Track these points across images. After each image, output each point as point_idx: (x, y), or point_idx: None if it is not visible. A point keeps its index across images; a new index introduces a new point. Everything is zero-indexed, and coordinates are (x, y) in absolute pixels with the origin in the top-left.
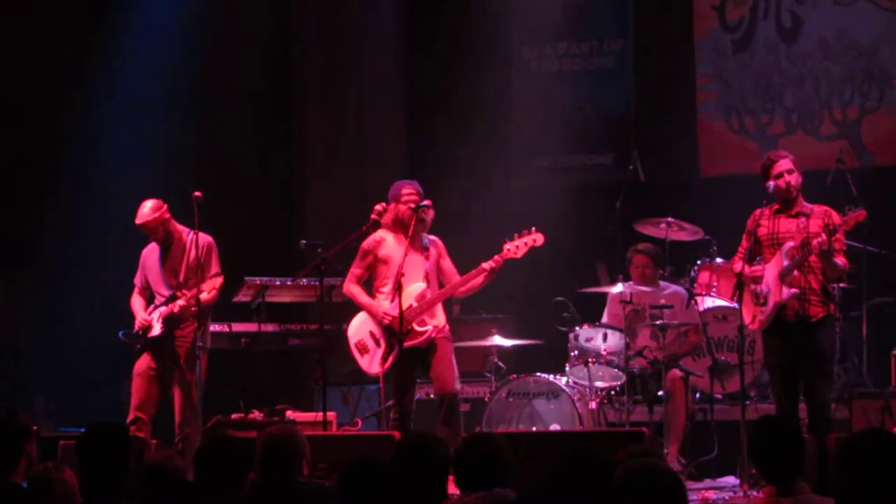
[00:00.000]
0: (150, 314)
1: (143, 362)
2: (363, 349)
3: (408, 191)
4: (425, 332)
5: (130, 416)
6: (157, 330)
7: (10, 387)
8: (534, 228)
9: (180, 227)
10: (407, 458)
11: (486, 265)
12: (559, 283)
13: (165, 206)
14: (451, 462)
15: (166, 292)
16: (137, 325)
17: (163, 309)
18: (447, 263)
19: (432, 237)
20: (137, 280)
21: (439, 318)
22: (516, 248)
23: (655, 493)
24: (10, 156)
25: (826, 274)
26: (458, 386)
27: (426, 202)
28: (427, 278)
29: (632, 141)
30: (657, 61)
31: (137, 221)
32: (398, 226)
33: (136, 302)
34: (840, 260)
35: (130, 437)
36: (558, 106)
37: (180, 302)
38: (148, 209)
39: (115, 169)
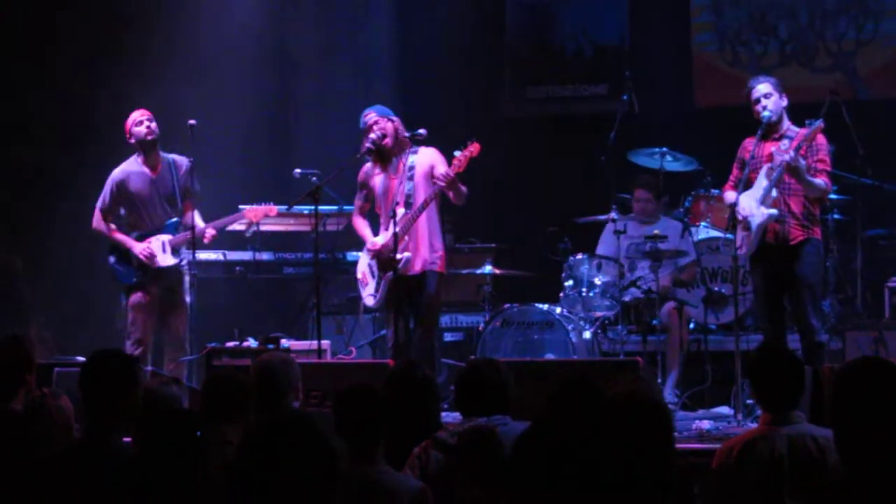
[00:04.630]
0: (147, 243)
1: (147, 295)
2: (363, 282)
3: (368, 117)
4: (401, 259)
5: (136, 350)
6: (169, 260)
7: (3, 314)
8: (473, 139)
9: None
10: (397, 385)
11: (436, 186)
12: (553, 214)
13: None
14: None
15: (160, 219)
16: (141, 254)
17: (167, 237)
18: (439, 171)
19: (424, 150)
20: (105, 205)
21: (423, 248)
22: (458, 162)
23: (639, 418)
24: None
25: (806, 194)
26: (435, 336)
27: (384, 124)
28: (410, 200)
29: (626, 71)
30: None
31: (141, 112)
32: (373, 154)
33: (113, 229)
34: (819, 179)
35: (138, 367)
36: (551, 36)
37: (210, 231)
38: (153, 121)
39: None
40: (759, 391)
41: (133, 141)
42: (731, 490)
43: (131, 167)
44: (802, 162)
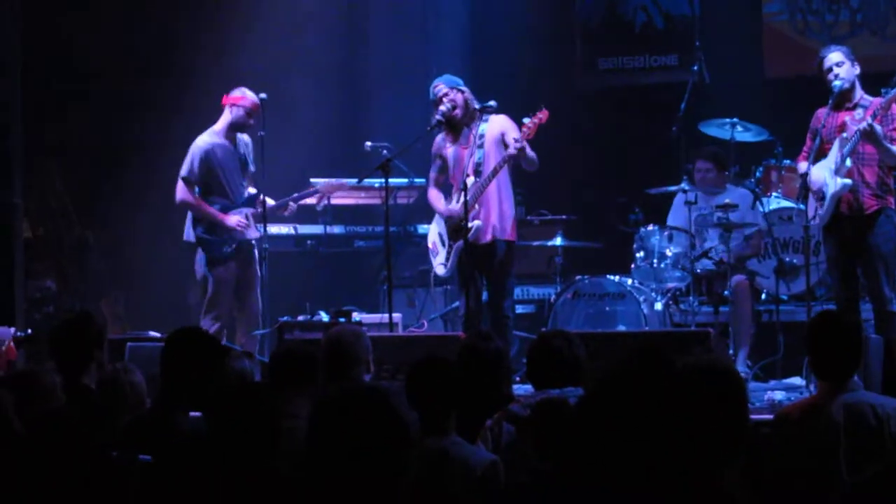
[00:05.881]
0: (233, 215)
1: (230, 269)
2: (434, 251)
3: (438, 89)
4: (472, 227)
5: (214, 325)
6: (255, 233)
7: (76, 289)
8: (542, 107)
9: None
10: (469, 358)
11: (506, 153)
12: (624, 185)
13: None
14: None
15: (240, 192)
16: (237, 225)
17: (249, 210)
18: (510, 138)
19: (494, 117)
20: (194, 176)
21: (494, 216)
22: (528, 129)
23: (714, 386)
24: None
25: (882, 162)
26: (507, 303)
27: (454, 95)
28: (480, 168)
29: (696, 42)
30: None
31: (252, 98)
32: (444, 126)
33: (198, 200)
34: (895, 146)
35: (221, 345)
36: (622, 7)
37: (293, 205)
38: (252, 95)
39: None
40: (816, 360)
41: (229, 117)
42: (787, 456)
43: (213, 139)
44: (879, 128)
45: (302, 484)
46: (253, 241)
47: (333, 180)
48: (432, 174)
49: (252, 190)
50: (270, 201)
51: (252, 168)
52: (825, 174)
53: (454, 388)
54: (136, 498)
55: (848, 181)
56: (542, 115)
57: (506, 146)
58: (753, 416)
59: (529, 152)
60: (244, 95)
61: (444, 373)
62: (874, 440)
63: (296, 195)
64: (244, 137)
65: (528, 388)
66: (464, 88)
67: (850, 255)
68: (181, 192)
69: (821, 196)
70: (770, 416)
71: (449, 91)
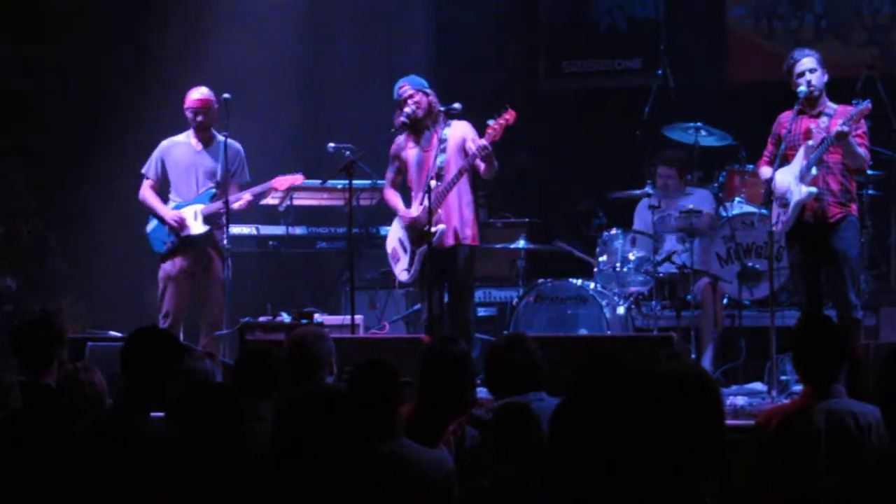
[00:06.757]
0: (173, 211)
1: (176, 265)
2: (395, 257)
3: (403, 90)
4: (436, 232)
5: (164, 323)
6: (199, 228)
7: (36, 288)
8: (507, 107)
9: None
10: (433, 361)
11: (470, 157)
12: (588, 189)
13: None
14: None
15: (196, 191)
16: (171, 220)
17: (200, 207)
18: (478, 143)
19: (456, 123)
20: (152, 173)
21: (455, 221)
22: (494, 130)
23: (689, 395)
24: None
25: (846, 169)
26: (469, 307)
27: (418, 98)
28: (442, 173)
29: (661, 46)
30: None
31: (195, 97)
32: (411, 126)
33: (153, 197)
34: (861, 149)
35: (178, 344)
36: (586, 10)
37: (247, 197)
38: (205, 90)
39: None
40: (801, 363)
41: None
42: (766, 460)
43: (180, 138)
44: (845, 127)
45: (267, 486)
46: (219, 242)
47: (288, 175)
48: (389, 174)
49: (212, 190)
50: (248, 197)
51: (245, 178)
52: (789, 180)
53: (397, 391)
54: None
55: (813, 189)
56: (509, 115)
57: (467, 153)
58: None
59: (493, 159)
60: (187, 95)
61: (386, 376)
62: (854, 448)
63: (254, 189)
64: (235, 145)
65: None
66: (429, 91)
67: (815, 262)
68: (141, 189)
69: (784, 203)
70: (732, 422)
71: (414, 93)
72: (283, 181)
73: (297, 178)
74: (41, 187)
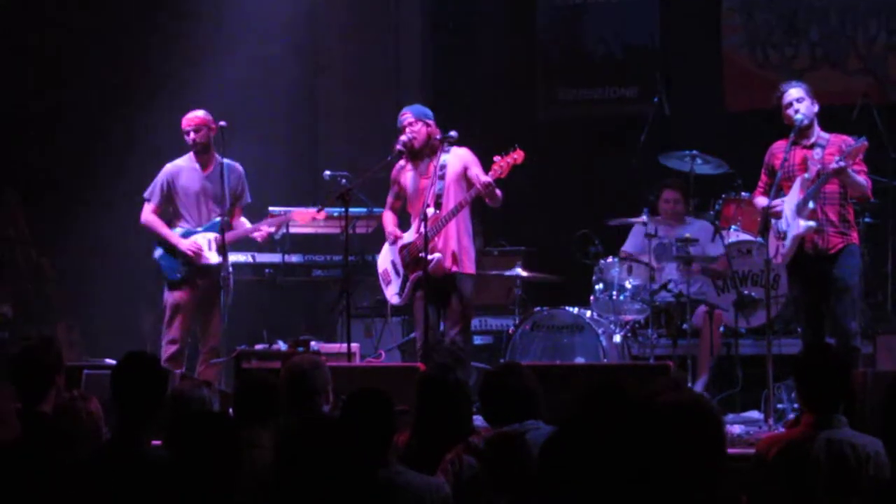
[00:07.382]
0: (188, 239)
1: (184, 294)
2: (386, 279)
3: (404, 117)
4: (432, 260)
5: (171, 348)
6: (214, 258)
7: (32, 315)
8: (516, 146)
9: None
10: (429, 389)
11: (472, 192)
12: (584, 217)
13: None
14: (479, 397)
15: (206, 218)
16: (188, 250)
17: (212, 235)
18: (473, 173)
19: (456, 150)
20: (155, 198)
21: (454, 249)
22: (500, 168)
23: (698, 425)
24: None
25: (851, 193)
26: (465, 335)
27: (418, 127)
28: (440, 200)
29: (657, 74)
30: None
31: (189, 116)
32: (408, 153)
33: (160, 223)
34: (861, 177)
35: (165, 370)
36: (582, 38)
37: (269, 228)
38: (201, 112)
39: None
40: (803, 391)
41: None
42: (765, 488)
43: (184, 163)
44: (842, 163)
45: None
46: (226, 270)
47: (303, 208)
48: (389, 199)
49: (220, 217)
50: (246, 222)
51: (248, 199)
52: (787, 212)
53: (390, 419)
54: None
55: (812, 223)
56: (517, 154)
57: (468, 182)
58: None
59: (497, 192)
60: (183, 118)
61: (378, 404)
62: (852, 480)
63: (270, 220)
64: (233, 166)
65: None
66: (430, 122)
67: (816, 293)
68: (144, 213)
69: (782, 235)
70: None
71: (414, 122)
72: (304, 214)
73: (320, 215)
74: (36, 214)
